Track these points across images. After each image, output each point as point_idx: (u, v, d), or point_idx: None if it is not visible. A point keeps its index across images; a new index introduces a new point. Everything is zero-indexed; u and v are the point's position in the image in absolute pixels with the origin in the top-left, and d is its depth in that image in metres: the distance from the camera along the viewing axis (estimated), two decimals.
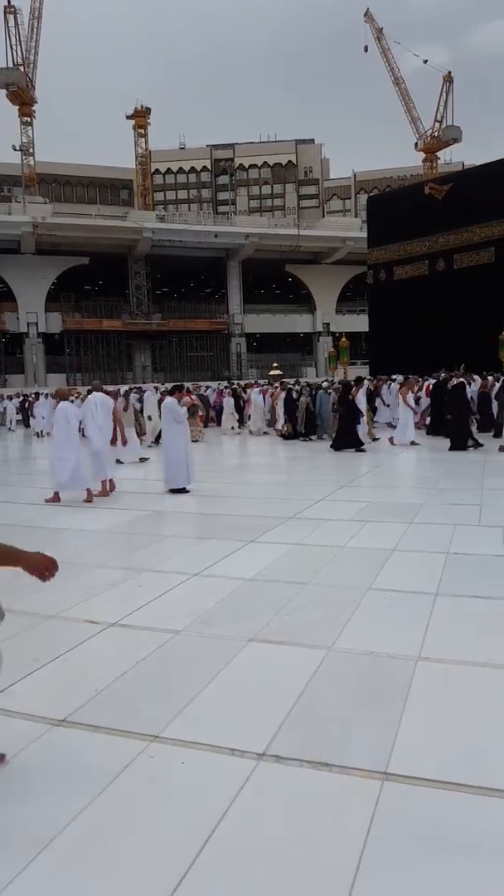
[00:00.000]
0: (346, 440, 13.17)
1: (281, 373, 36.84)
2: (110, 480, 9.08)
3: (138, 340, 53.64)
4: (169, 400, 9.33)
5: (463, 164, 61.88)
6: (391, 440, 14.10)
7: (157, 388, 19.41)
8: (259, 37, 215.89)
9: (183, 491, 8.88)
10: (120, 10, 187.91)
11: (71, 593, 4.70)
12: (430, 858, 2.04)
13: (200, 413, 16.96)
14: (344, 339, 32.39)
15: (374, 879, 1.96)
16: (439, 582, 4.74)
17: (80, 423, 9.13)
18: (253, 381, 33.41)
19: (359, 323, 47.92)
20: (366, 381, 16.73)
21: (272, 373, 36.15)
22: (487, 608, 4.23)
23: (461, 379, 13.73)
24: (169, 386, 12.01)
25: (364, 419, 14.20)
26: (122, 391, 15.37)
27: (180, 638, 3.84)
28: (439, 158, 64.17)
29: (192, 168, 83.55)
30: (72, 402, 10.04)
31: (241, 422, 19.57)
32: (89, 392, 10.42)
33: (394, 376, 20.84)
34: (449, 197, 29.91)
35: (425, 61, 62.69)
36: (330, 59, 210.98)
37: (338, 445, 13.29)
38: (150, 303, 53.31)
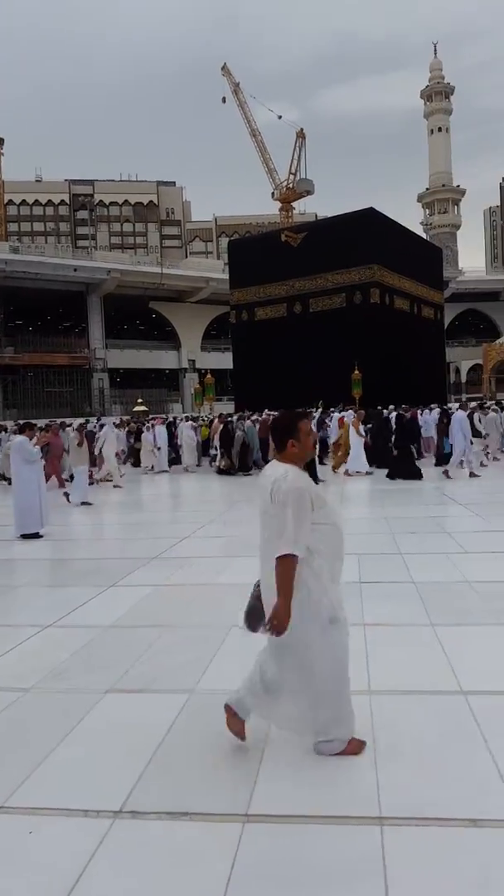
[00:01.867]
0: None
1: (146, 409, 36.56)
2: None
3: None
4: (20, 439, 8.84)
5: (316, 215, 66.24)
6: (346, 472, 14.25)
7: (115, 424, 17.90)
8: (123, 78, 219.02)
9: (36, 536, 8.41)
10: None
11: None
12: (292, 895, 2.04)
13: (117, 451, 15.43)
14: (209, 376, 32.90)
15: None
16: None
17: None
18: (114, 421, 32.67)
19: (224, 360, 48.95)
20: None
21: (136, 409, 35.75)
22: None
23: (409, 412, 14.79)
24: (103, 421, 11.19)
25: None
26: (74, 425, 14.10)
27: (30, 696, 3.58)
28: (294, 208, 68.15)
29: (50, 201, 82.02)
30: None
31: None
32: None
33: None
34: (304, 245, 31.75)
35: (279, 117, 66.74)
36: (192, 106, 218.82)
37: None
38: (1, 336, 50.84)
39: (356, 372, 26.55)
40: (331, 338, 29.09)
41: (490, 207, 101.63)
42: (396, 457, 13.71)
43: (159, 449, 17.06)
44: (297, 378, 28.34)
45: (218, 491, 13.35)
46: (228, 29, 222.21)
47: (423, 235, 63.35)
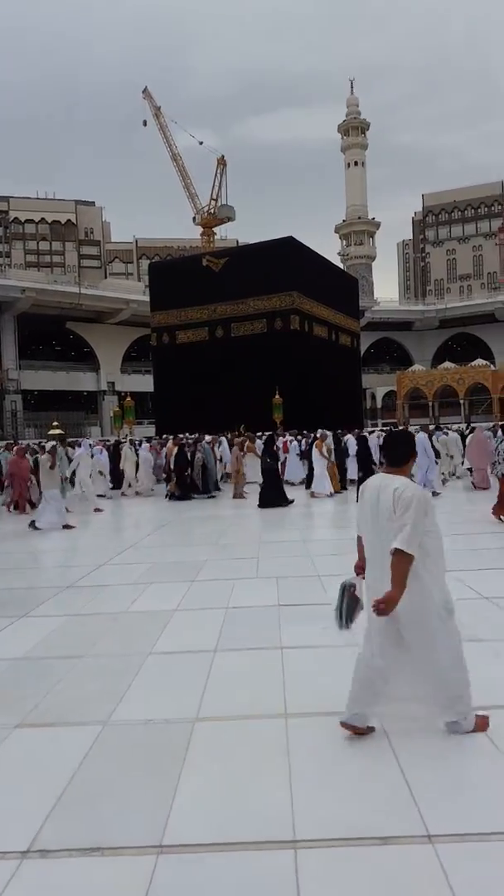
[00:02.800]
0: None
1: (62, 432, 35.48)
2: None
3: None
4: None
5: (237, 241, 67.36)
6: (312, 494, 14.39)
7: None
8: (42, 94, 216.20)
9: None
10: None
11: None
12: None
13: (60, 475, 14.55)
14: (129, 399, 32.48)
15: None
16: (218, 638, 4.84)
17: None
18: (30, 443, 31.69)
19: (145, 383, 48.54)
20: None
21: (52, 432, 34.65)
22: (261, 659, 4.40)
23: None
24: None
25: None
26: (46, 447, 13.22)
27: None
28: (216, 233, 69.08)
29: None
30: None
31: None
32: None
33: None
34: (225, 270, 32.26)
35: (201, 143, 67.81)
36: (113, 128, 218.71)
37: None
38: None
39: (277, 397, 27.04)
40: (252, 362, 29.57)
41: (403, 241, 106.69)
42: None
43: (101, 473, 16.78)
44: (218, 402, 28.56)
45: (146, 516, 13.13)
46: (151, 52, 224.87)
47: (341, 265, 65.83)
